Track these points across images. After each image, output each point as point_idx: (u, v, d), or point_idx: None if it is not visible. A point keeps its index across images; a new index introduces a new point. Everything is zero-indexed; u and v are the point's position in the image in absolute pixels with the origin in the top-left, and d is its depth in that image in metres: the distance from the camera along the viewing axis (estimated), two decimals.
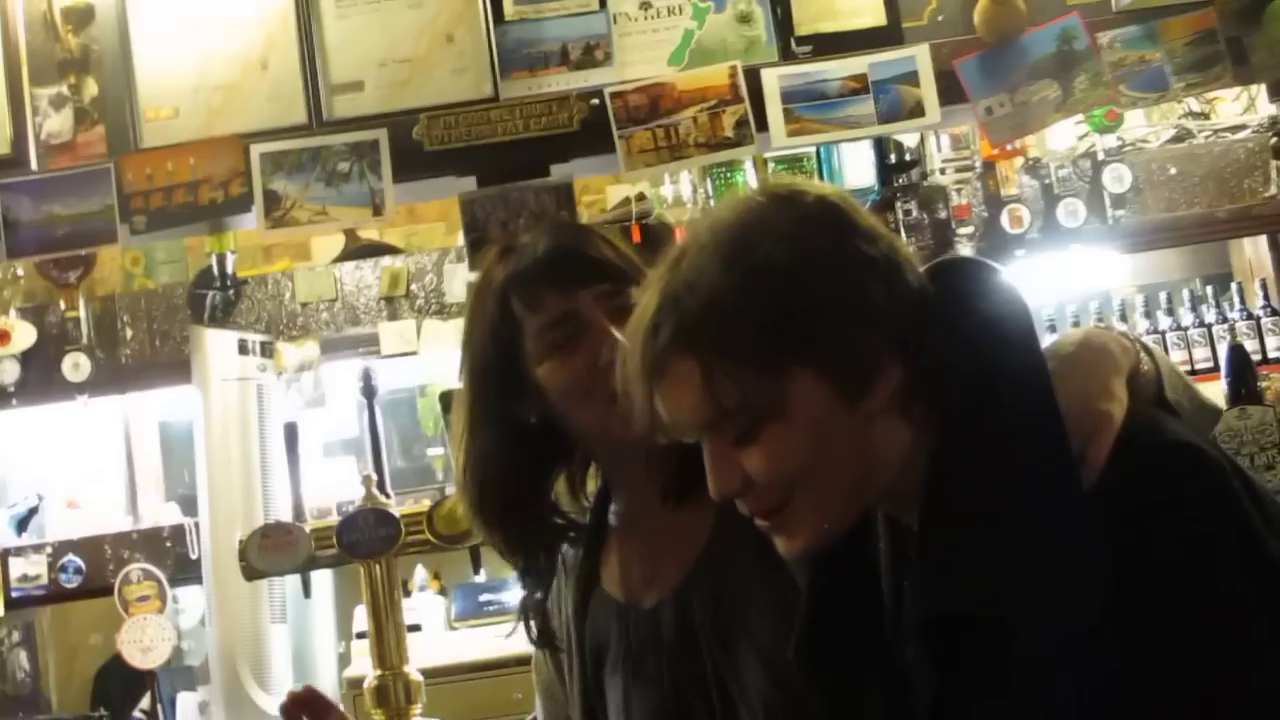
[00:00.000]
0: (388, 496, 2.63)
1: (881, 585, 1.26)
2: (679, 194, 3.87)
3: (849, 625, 1.26)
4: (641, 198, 3.67)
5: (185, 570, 3.69)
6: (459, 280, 3.75)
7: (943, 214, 3.89)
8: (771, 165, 3.85)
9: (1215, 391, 3.02)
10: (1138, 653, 1.08)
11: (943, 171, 3.85)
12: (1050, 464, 1.13)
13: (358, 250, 4.25)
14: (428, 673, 2.98)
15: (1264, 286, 4.02)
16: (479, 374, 1.60)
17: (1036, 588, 1.09)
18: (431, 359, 3.89)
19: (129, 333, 3.88)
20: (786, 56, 2.92)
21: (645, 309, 1.19)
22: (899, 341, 1.15)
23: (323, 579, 3.91)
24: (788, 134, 2.87)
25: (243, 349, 3.32)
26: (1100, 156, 3.87)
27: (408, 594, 3.71)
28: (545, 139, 2.88)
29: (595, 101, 2.88)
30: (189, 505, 4.09)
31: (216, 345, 3.24)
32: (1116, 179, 3.84)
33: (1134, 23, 2.94)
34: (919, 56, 2.86)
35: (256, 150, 2.86)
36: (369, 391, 2.84)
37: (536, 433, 1.58)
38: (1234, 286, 4.07)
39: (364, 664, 3.12)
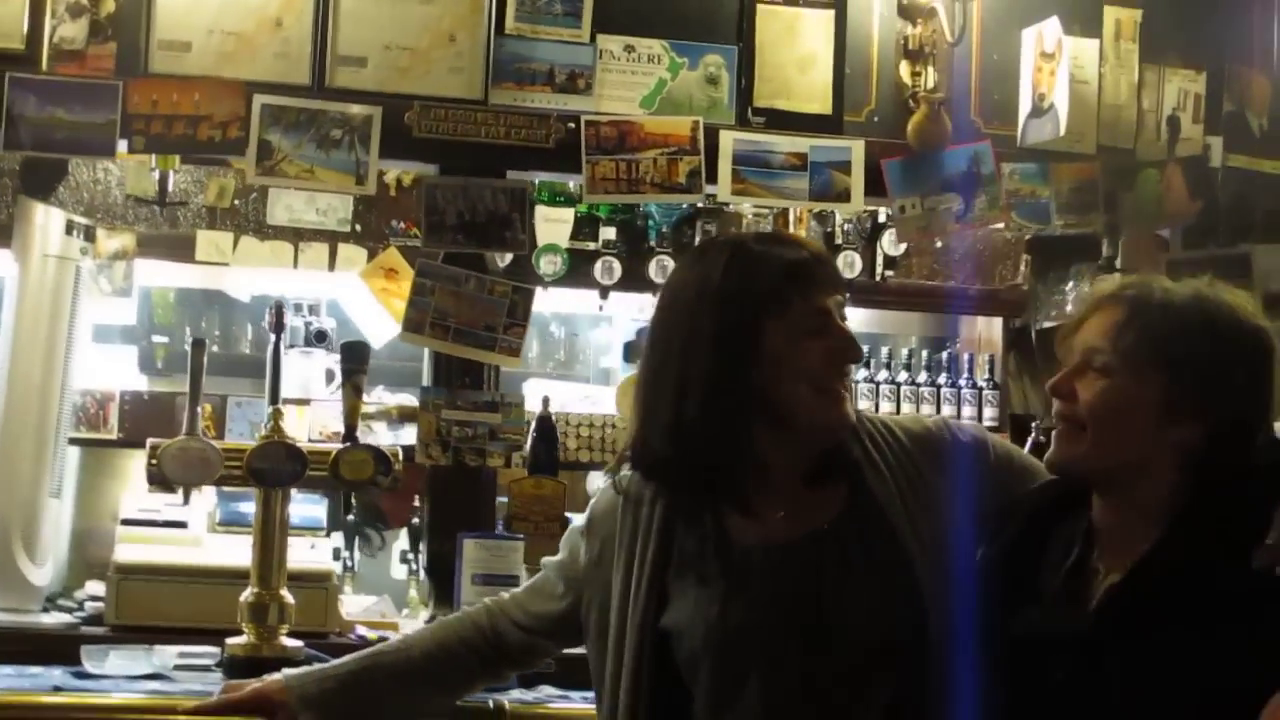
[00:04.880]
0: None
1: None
2: None
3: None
4: None
5: None
6: (282, 206, 3.88)
7: None
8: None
9: None
10: None
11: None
12: None
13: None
14: (192, 571, 3.17)
15: (991, 362, 4.39)
16: (717, 339, 1.75)
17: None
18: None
19: None
20: (742, 122, 3.28)
21: (1115, 307, 1.70)
22: (1227, 421, 1.64)
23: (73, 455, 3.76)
24: (733, 191, 3.23)
25: (69, 229, 3.34)
26: (881, 219, 4.07)
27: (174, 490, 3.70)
28: (521, 149, 3.18)
29: (572, 125, 3.19)
30: None
31: (44, 220, 3.28)
32: (893, 242, 4.08)
33: (1032, 160, 3.38)
34: (855, 149, 3.25)
35: (259, 100, 3.07)
36: (279, 326, 2.85)
37: (751, 396, 1.76)
38: (966, 357, 4.45)
39: (132, 550, 3.23)
